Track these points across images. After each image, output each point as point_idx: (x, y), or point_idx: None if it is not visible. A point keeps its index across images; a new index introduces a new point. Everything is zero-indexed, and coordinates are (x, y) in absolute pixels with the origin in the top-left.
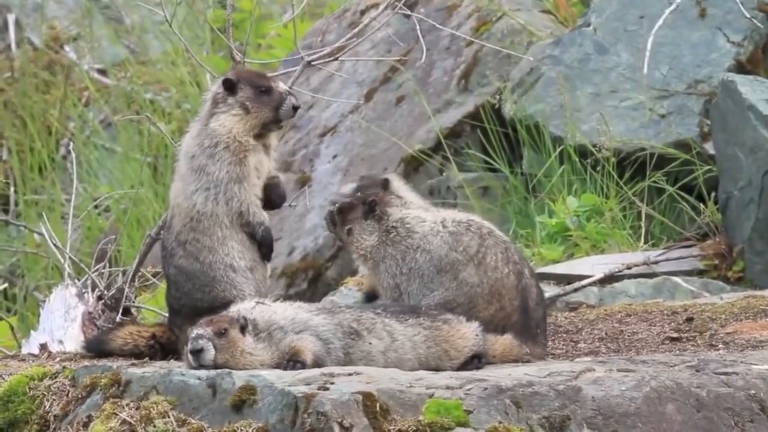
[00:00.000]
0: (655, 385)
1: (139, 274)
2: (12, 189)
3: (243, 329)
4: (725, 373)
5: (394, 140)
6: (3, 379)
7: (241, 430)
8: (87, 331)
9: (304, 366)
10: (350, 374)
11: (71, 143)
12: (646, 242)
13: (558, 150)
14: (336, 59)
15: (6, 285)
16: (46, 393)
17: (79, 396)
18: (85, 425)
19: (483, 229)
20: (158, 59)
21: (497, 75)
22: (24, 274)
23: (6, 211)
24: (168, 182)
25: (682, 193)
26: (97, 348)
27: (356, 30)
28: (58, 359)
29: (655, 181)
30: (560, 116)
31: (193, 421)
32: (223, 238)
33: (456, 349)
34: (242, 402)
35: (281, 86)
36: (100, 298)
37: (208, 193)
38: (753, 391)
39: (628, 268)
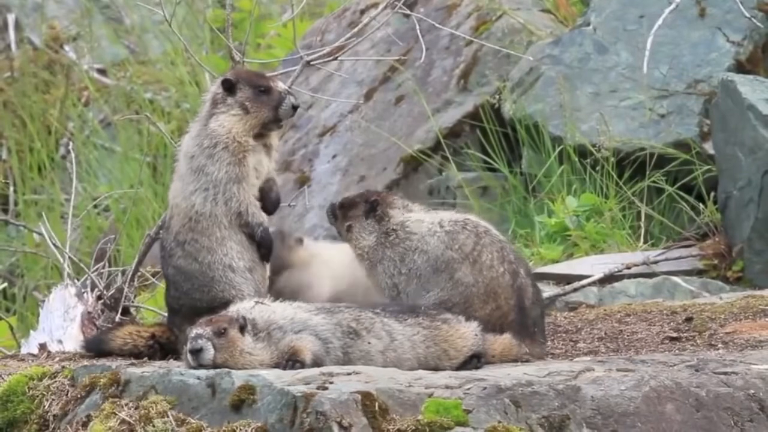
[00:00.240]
0: (655, 385)
1: (139, 273)
2: (11, 189)
3: (242, 329)
4: (724, 373)
5: (393, 140)
6: (2, 378)
7: (241, 429)
8: (86, 331)
9: (303, 365)
10: (349, 374)
11: (71, 143)
12: (645, 242)
13: (557, 150)
14: (335, 59)
15: (5, 285)
16: (45, 393)
17: (79, 396)
18: (85, 425)
19: (479, 228)
20: (158, 59)
21: (497, 74)
22: (23, 273)
23: (5, 211)
24: (167, 182)
25: (682, 193)
26: (96, 348)
27: (356, 29)
28: (57, 359)
29: (654, 181)
30: (560, 116)
31: (193, 420)
32: (221, 239)
33: (455, 349)
34: (241, 401)
35: (280, 86)
36: (99, 297)
37: (207, 194)
38: (752, 391)
39: (628, 267)
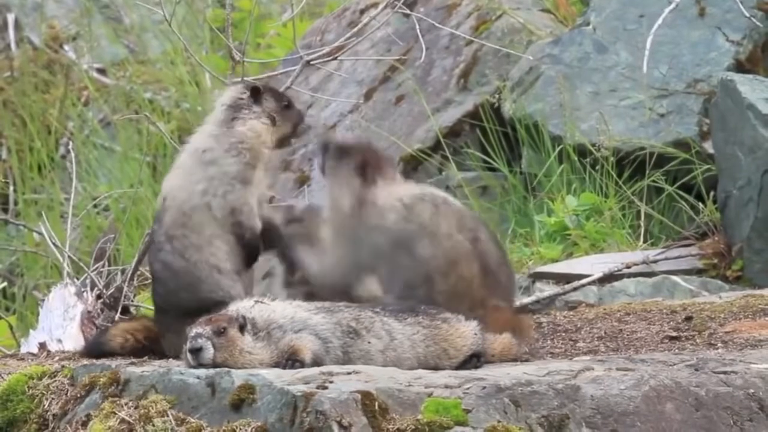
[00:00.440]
0: (654, 384)
1: (138, 272)
2: (11, 188)
3: (242, 328)
4: (724, 372)
5: (393, 139)
6: (2, 378)
7: (240, 429)
8: (86, 330)
9: (303, 365)
10: (349, 373)
11: (70, 142)
12: (645, 241)
13: (557, 149)
14: (335, 58)
15: (5, 284)
16: (45, 392)
17: (78, 395)
18: (84, 424)
19: (437, 200)
20: (157, 59)
21: (496, 74)
22: (23, 273)
23: (5, 210)
24: None
25: (681, 192)
26: (98, 351)
27: (355, 29)
28: (57, 358)
29: (654, 181)
30: (559, 115)
31: (192, 420)
32: (210, 237)
33: (455, 348)
34: (241, 401)
35: (300, 105)
36: (99, 297)
37: (210, 184)
38: (752, 390)
39: (627, 267)
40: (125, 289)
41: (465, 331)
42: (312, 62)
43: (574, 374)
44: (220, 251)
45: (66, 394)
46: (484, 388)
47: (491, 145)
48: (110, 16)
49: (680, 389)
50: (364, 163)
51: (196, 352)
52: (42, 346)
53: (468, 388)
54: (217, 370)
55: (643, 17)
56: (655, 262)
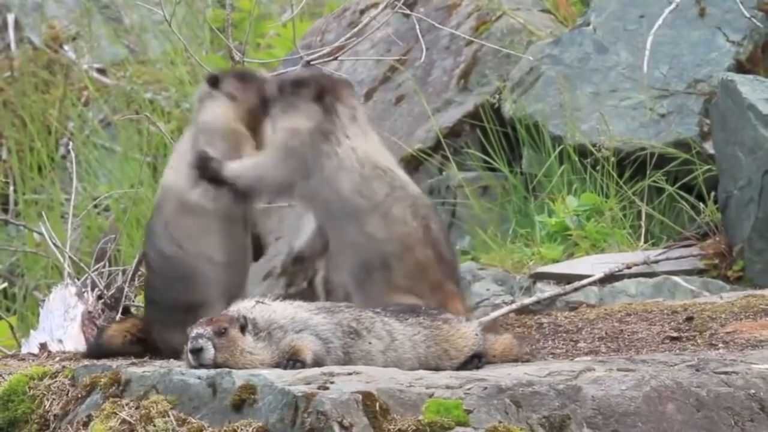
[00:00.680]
0: (655, 385)
1: (139, 273)
2: (11, 188)
3: (243, 328)
4: (725, 373)
5: (393, 139)
6: (3, 378)
7: (241, 429)
8: (86, 331)
9: (303, 365)
10: (350, 374)
11: (71, 143)
12: (645, 242)
13: (558, 149)
14: (335, 59)
15: (6, 284)
16: (45, 392)
17: (79, 395)
18: (85, 424)
19: (395, 182)
20: (157, 59)
21: (497, 74)
22: (24, 273)
23: (6, 211)
24: None
25: (682, 193)
26: (99, 353)
27: (356, 29)
28: (57, 359)
29: (654, 181)
30: (560, 116)
31: (193, 420)
32: (208, 226)
33: (456, 349)
34: (242, 401)
35: (264, 73)
36: (99, 297)
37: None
38: (753, 391)
39: (628, 267)
40: (126, 289)
41: (466, 332)
42: (312, 62)
43: (575, 375)
44: (214, 242)
45: (67, 394)
46: (486, 388)
47: (492, 145)
48: (110, 16)
49: (681, 390)
50: (321, 91)
51: (197, 352)
52: (43, 346)
53: (469, 389)
54: (218, 370)
55: (643, 17)
56: (655, 262)
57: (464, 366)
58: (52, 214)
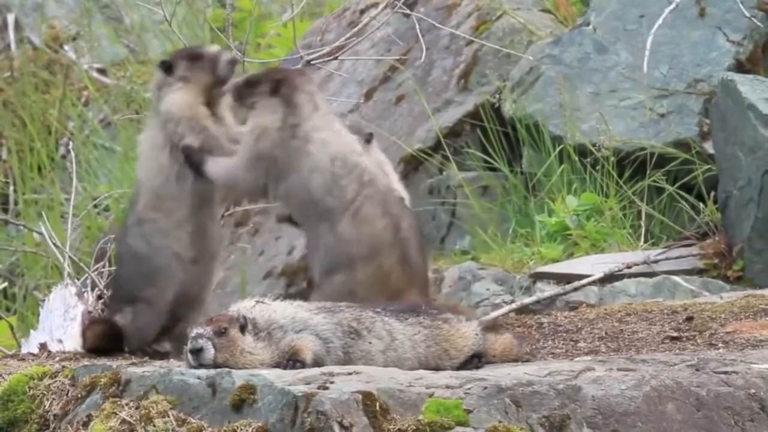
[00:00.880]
0: (655, 385)
1: None
2: (11, 188)
3: (243, 328)
4: (725, 372)
5: (393, 139)
6: (3, 378)
7: (241, 429)
8: None
9: (303, 365)
10: (350, 373)
11: (71, 142)
12: (645, 241)
13: (558, 149)
14: (335, 58)
15: (5, 284)
16: (45, 392)
17: (79, 395)
18: (85, 424)
19: (364, 177)
20: (158, 58)
21: (497, 74)
22: (23, 273)
23: (5, 211)
24: None
25: (682, 193)
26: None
27: (356, 29)
28: (57, 358)
29: (654, 181)
30: (560, 115)
31: (193, 420)
32: (179, 222)
33: (456, 349)
34: (242, 401)
35: (213, 48)
36: (99, 297)
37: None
38: (753, 390)
39: (628, 267)
40: None
41: (466, 332)
42: (312, 62)
43: (575, 374)
44: (183, 238)
45: (67, 394)
46: (485, 388)
47: (492, 145)
48: (110, 16)
49: (681, 389)
50: (276, 84)
51: (197, 352)
52: (43, 346)
53: (469, 389)
54: (218, 370)
55: (643, 17)
56: (655, 262)
57: (464, 366)
58: (52, 214)
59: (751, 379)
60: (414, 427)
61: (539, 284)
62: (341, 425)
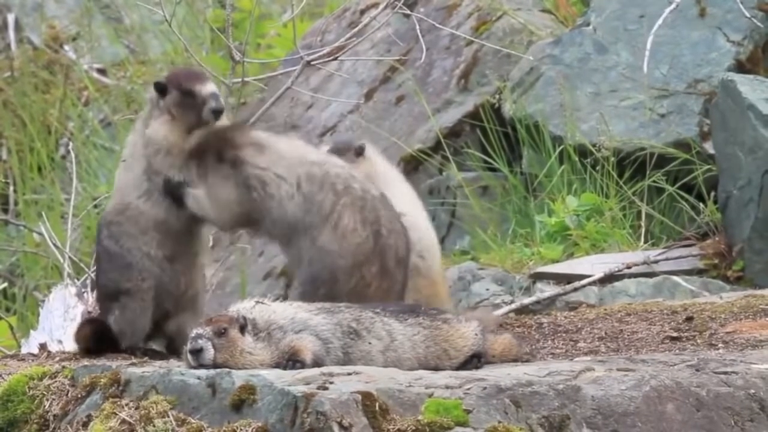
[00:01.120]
0: (655, 385)
1: None
2: (11, 188)
3: (242, 329)
4: (725, 373)
5: (393, 140)
6: (2, 378)
7: (241, 429)
8: None
9: (303, 365)
10: (349, 374)
11: (71, 143)
12: (645, 242)
13: (558, 149)
14: (335, 59)
15: (5, 284)
16: (45, 392)
17: (79, 395)
18: (85, 425)
19: (338, 185)
20: (158, 59)
21: (497, 74)
22: (23, 273)
23: (5, 211)
24: None
25: (682, 193)
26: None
27: (356, 30)
28: (57, 359)
29: (654, 181)
30: (560, 116)
31: (193, 420)
32: (145, 228)
33: (455, 349)
34: (242, 401)
35: (206, 89)
36: (98, 300)
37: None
38: (753, 391)
39: (628, 267)
40: None
41: (466, 332)
42: (312, 62)
43: (574, 375)
44: (151, 241)
45: (66, 394)
46: (485, 388)
47: (492, 145)
48: (111, 16)
49: (681, 389)
50: (221, 150)
51: (197, 352)
52: (42, 346)
53: (469, 389)
54: (218, 370)
55: (643, 17)
56: (655, 262)
57: (464, 366)
58: (52, 214)
59: (751, 379)
60: (413, 428)
61: (539, 284)
62: (341, 425)
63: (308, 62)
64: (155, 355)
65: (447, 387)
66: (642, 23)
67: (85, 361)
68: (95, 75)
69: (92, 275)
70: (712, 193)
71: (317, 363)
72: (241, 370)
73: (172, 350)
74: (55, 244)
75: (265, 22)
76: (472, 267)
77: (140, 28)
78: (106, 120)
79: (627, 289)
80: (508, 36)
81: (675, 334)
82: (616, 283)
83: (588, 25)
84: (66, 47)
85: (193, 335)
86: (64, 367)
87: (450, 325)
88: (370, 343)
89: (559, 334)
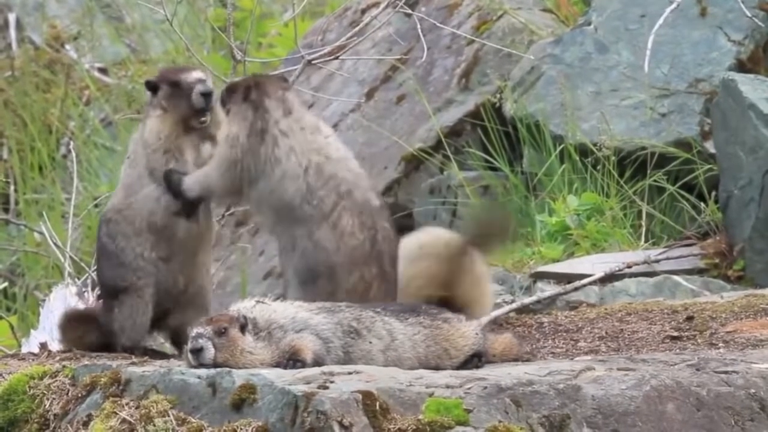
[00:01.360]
0: (656, 384)
1: None
2: (12, 188)
3: (243, 328)
4: (725, 372)
5: (394, 139)
6: (3, 378)
7: (241, 429)
8: None
9: (304, 365)
10: (350, 373)
11: (71, 142)
12: (646, 241)
13: (558, 149)
14: (336, 58)
15: (6, 284)
16: (46, 392)
17: (79, 395)
18: (85, 424)
19: (341, 187)
20: (159, 58)
21: (498, 74)
22: (24, 273)
23: (6, 210)
24: None
25: (683, 192)
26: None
27: (357, 29)
28: (58, 358)
29: (655, 180)
30: (561, 115)
31: (193, 420)
32: (139, 229)
33: (456, 348)
34: (242, 401)
35: (192, 76)
36: (99, 297)
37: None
38: (753, 390)
39: (629, 266)
40: None
41: (466, 331)
42: (313, 62)
43: (575, 374)
44: (144, 243)
45: (67, 394)
46: (486, 388)
47: (492, 144)
48: (112, 16)
49: (681, 389)
50: (247, 90)
51: (197, 352)
52: (43, 346)
53: (469, 388)
54: (218, 370)
55: (644, 17)
56: (656, 261)
57: (464, 365)
58: (53, 214)
59: (752, 378)
60: (414, 427)
61: (539, 284)
62: (341, 425)
63: (309, 61)
64: (155, 355)
65: (447, 386)
66: (643, 23)
67: (86, 361)
68: (96, 74)
69: (93, 275)
70: (713, 193)
71: (318, 362)
72: (242, 369)
73: (178, 344)
74: (55, 244)
75: (266, 22)
76: None
77: (141, 27)
78: (107, 119)
79: (627, 289)
80: (508, 35)
81: (675, 334)
82: (617, 283)
83: (589, 24)
84: (67, 46)
85: (193, 334)
86: (64, 366)
87: (450, 325)
88: (370, 343)
89: (559, 334)
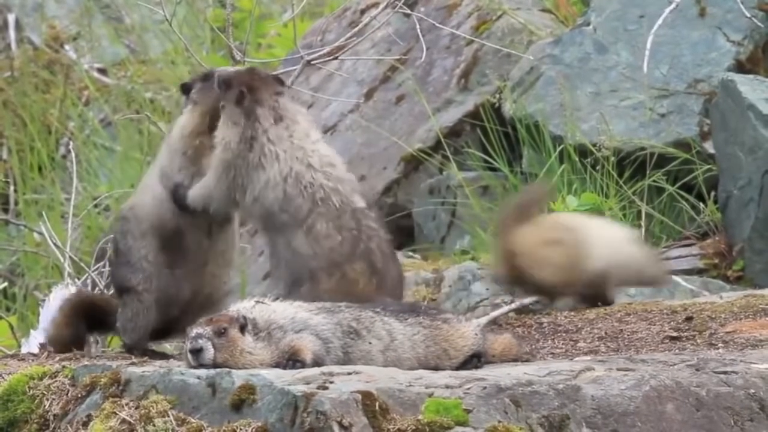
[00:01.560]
0: (655, 384)
1: None
2: (12, 188)
3: (242, 328)
4: (725, 372)
5: (393, 139)
6: (3, 378)
7: (241, 429)
8: None
9: (303, 365)
10: (349, 373)
11: (71, 142)
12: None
13: (558, 149)
14: (336, 58)
15: (6, 284)
16: (45, 392)
17: (79, 395)
18: (85, 424)
19: (317, 195)
20: (158, 58)
21: (497, 74)
22: (24, 273)
23: (6, 211)
24: None
25: (682, 193)
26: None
27: (356, 29)
28: (57, 358)
29: (655, 181)
30: (560, 115)
31: (193, 420)
32: (145, 232)
33: (455, 348)
34: (242, 401)
35: (222, 68)
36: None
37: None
38: (752, 390)
39: None
40: None
41: (466, 332)
42: (312, 62)
43: (574, 374)
44: (148, 246)
45: (67, 394)
46: (485, 388)
47: (492, 145)
48: (111, 16)
49: (681, 389)
50: (241, 94)
51: (197, 352)
52: (43, 346)
53: (468, 388)
54: (218, 370)
55: (643, 17)
56: None
57: (464, 365)
58: (53, 214)
59: (751, 379)
60: (413, 427)
61: None
62: (341, 425)
63: (308, 62)
64: (155, 355)
65: (447, 386)
66: (642, 23)
67: (85, 361)
68: (96, 75)
69: (93, 275)
70: (713, 193)
71: (317, 362)
72: (241, 369)
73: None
74: (55, 244)
75: (266, 22)
76: (472, 267)
77: (141, 27)
78: (106, 120)
79: (627, 289)
80: (508, 36)
81: (675, 334)
82: None
83: (588, 24)
84: (66, 47)
85: (193, 335)
86: (64, 366)
87: (450, 325)
88: (370, 343)
89: (559, 334)
